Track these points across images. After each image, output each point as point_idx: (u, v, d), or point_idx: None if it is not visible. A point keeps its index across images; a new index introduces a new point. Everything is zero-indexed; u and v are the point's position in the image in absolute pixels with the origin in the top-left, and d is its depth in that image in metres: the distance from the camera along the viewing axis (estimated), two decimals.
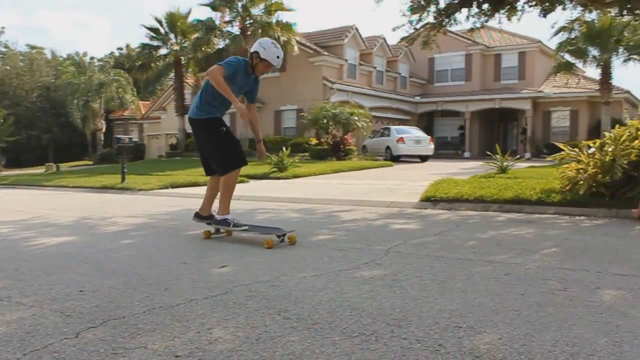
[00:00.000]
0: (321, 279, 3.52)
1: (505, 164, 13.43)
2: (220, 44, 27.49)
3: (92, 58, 47.86)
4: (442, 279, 3.51)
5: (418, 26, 10.91)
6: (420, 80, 34.95)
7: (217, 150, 5.15)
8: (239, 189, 11.86)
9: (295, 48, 25.82)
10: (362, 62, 30.49)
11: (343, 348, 2.31)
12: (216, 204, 5.36)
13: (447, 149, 32.37)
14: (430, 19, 10.90)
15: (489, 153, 15.54)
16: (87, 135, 39.45)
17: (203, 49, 26.47)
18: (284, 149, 16.94)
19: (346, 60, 29.00)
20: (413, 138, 23.60)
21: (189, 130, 7.43)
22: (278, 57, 5.16)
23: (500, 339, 2.38)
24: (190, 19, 28.70)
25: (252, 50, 5.19)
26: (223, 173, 5.17)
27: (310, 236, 5.48)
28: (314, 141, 24.16)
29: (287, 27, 25.65)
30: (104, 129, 38.80)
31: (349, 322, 2.63)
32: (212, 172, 5.40)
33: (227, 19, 26.99)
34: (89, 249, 4.95)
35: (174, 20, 28.65)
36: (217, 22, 26.84)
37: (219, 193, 5.32)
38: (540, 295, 3.12)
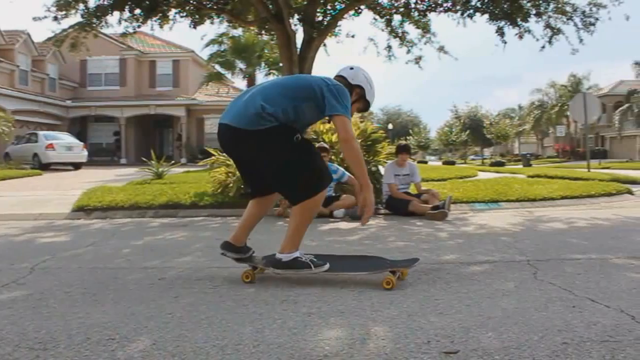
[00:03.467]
0: None
1: (161, 169, 13.65)
2: None
3: None
4: (94, 291, 3.36)
5: (65, 25, 10.27)
6: (72, 83, 32.92)
7: (293, 170, 3.43)
8: None
9: None
10: (2, 59, 27.22)
11: None
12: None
13: (102, 156, 31.21)
14: (78, 18, 10.37)
15: (144, 159, 15.56)
16: None
17: None
18: None
19: None
20: (64, 144, 22.23)
21: None
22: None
23: (154, 345, 2.39)
24: None
25: (354, 81, 3.65)
26: (304, 199, 3.44)
27: None
28: None
29: None
30: None
31: None
32: (260, 193, 3.85)
33: None
34: None
35: None
36: None
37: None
38: (193, 295, 3.25)
